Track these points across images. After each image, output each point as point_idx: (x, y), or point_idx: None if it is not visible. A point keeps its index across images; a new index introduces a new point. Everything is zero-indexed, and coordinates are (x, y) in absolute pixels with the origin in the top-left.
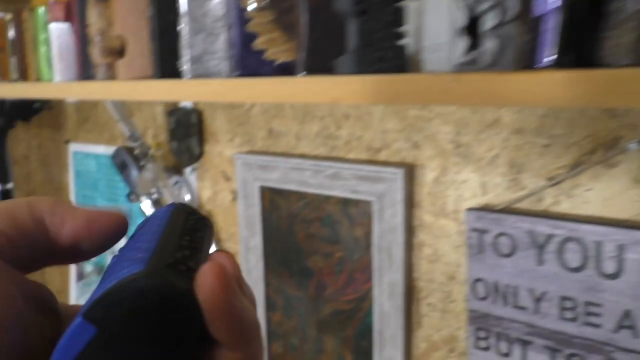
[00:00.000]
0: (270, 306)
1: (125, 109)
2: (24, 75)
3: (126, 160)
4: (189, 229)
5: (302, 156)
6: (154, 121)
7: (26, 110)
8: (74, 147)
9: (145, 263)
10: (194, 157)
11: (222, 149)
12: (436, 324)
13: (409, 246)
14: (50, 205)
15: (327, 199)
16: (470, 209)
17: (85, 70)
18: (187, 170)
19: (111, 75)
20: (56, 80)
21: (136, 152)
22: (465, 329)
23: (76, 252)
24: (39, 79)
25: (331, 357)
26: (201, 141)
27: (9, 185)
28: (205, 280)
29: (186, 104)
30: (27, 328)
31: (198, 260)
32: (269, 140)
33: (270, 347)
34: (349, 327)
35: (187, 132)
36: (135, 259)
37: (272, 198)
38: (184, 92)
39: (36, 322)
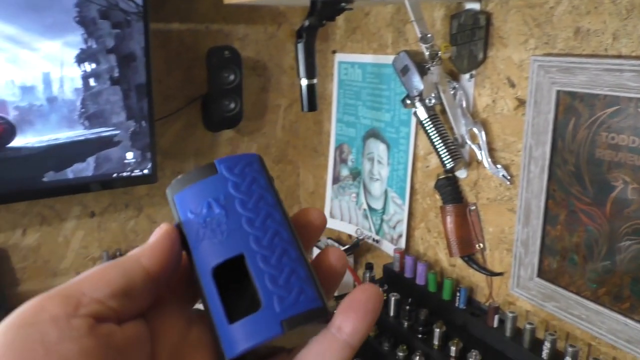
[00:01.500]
0: (550, 219)
1: (419, 10)
2: None
3: (408, 65)
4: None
5: (620, 57)
6: (432, 26)
7: (333, 10)
8: (339, 57)
9: (316, 294)
10: (475, 62)
11: (510, 53)
12: None
13: None
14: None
15: None
16: None
17: None
18: (465, 76)
19: None
20: None
21: (426, 53)
22: None
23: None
24: None
25: (622, 280)
26: (485, 46)
27: (315, 80)
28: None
29: (473, 5)
30: None
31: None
32: (575, 40)
33: (542, 261)
34: None
35: (471, 36)
36: (294, 270)
37: (570, 104)
38: None
39: None
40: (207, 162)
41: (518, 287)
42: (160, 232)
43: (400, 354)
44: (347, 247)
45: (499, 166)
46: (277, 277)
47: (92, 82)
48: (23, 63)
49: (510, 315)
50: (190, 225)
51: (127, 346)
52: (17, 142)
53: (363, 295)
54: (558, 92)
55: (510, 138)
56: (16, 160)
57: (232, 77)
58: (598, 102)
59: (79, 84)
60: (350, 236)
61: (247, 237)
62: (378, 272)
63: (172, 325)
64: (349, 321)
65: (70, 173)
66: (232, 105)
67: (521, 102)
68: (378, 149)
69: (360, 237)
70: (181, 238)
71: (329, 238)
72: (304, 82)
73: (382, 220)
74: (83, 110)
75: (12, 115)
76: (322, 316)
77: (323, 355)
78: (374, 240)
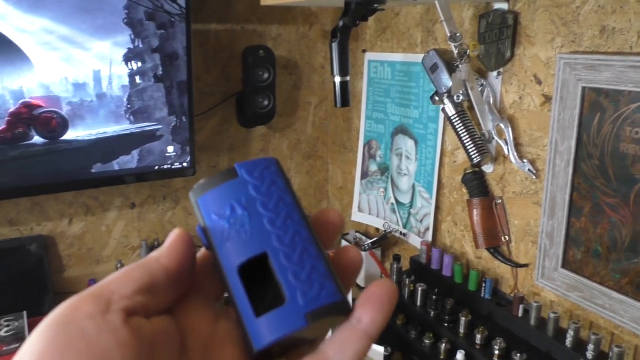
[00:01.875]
0: (574, 212)
1: (448, 10)
2: None
3: (437, 63)
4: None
5: None
6: (461, 26)
7: (366, 10)
8: (369, 56)
9: (336, 289)
10: (502, 60)
11: (537, 51)
12: None
13: None
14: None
15: None
16: None
17: None
18: (492, 74)
19: None
20: None
21: (455, 52)
22: None
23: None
24: None
25: None
26: (513, 44)
27: (347, 78)
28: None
29: (501, 5)
30: None
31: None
32: (600, 39)
33: (567, 252)
34: None
35: (499, 34)
36: (314, 267)
37: (595, 100)
38: None
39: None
40: (240, 157)
41: (543, 277)
42: (174, 236)
43: (427, 341)
44: (374, 239)
45: (524, 160)
46: (299, 273)
47: (137, 79)
48: (76, 61)
49: (535, 304)
50: (214, 227)
51: (157, 338)
52: (69, 135)
53: (380, 289)
54: (583, 88)
55: (536, 133)
56: (68, 152)
57: (265, 75)
58: (622, 97)
59: (126, 81)
60: (377, 229)
61: (269, 236)
62: (405, 264)
63: (200, 320)
64: (368, 313)
65: (115, 165)
66: (266, 102)
67: (547, 99)
68: (406, 144)
69: (388, 231)
70: (206, 239)
71: (357, 232)
72: (337, 79)
73: (409, 213)
74: (129, 105)
75: (65, 110)
76: (342, 309)
77: (344, 344)
78: (401, 233)
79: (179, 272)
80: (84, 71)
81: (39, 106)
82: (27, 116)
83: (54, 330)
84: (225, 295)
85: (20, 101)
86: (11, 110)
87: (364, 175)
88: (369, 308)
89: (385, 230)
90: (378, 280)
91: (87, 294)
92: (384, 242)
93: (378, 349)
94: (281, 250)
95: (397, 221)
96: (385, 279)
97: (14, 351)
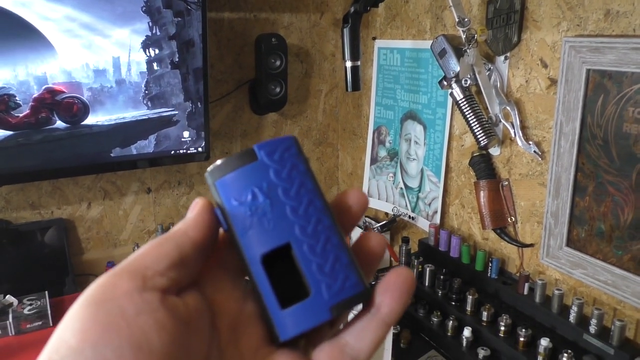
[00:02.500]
0: (578, 192)
1: None
2: None
3: (446, 48)
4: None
5: None
6: (469, 12)
7: None
8: (379, 44)
9: (359, 279)
10: (509, 45)
11: (543, 35)
12: None
13: None
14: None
15: None
16: None
17: None
18: (500, 58)
19: None
20: None
21: (463, 37)
22: None
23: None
24: None
25: None
26: (520, 29)
27: (358, 62)
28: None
29: None
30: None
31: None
32: (605, 22)
33: (571, 231)
34: None
35: (507, 20)
36: (338, 258)
37: (599, 82)
38: None
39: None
40: (253, 143)
41: (548, 256)
42: (198, 207)
43: (435, 319)
44: (383, 223)
45: (530, 143)
46: (323, 265)
47: (155, 66)
48: (96, 48)
49: (540, 282)
50: (235, 213)
51: (191, 318)
52: (90, 120)
53: (398, 278)
54: (588, 70)
55: (542, 116)
56: (88, 137)
57: (278, 62)
58: (626, 79)
59: (144, 67)
60: (386, 214)
61: (292, 226)
62: (413, 247)
63: (230, 297)
64: (387, 302)
65: (134, 149)
66: (278, 90)
67: (553, 82)
68: (415, 130)
69: (397, 215)
70: (226, 223)
71: (366, 216)
72: (348, 64)
73: (417, 197)
74: (146, 91)
75: (86, 95)
76: (365, 298)
77: (363, 332)
78: (409, 217)
79: (205, 244)
80: (104, 58)
81: (62, 92)
82: (50, 101)
83: (94, 307)
84: (247, 278)
85: (44, 87)
86: (35, 95)
87: (374, 161)
88: (388, 297)
89: (394, 215)
90: (397, 269)
91: (122, 269)
92: (393, 225)
93: None
94: (305, 241)
95: (406, 205)
96: (404, 268)
97: (37, 329)
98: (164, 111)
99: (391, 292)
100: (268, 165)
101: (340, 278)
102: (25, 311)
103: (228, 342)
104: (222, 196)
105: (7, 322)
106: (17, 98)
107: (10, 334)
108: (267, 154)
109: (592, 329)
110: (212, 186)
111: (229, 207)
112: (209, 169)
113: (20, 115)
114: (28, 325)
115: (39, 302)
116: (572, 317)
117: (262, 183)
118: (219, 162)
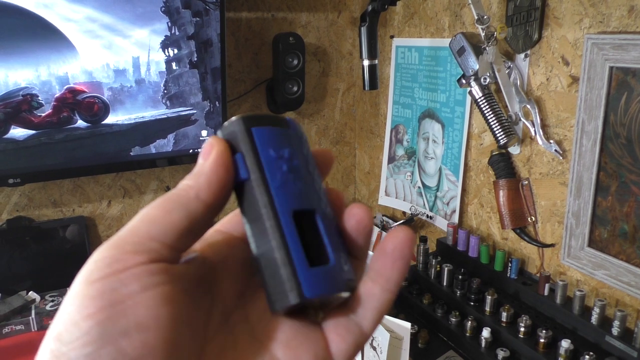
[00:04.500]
0: (601, 191)
1: None
2: None
3: (464, 46)
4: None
5: None
6: (489, 9)
7: None
8: (397, 42)
9: (351, 274)
10: (530, 42)
11: (565, 32)
12: None
13: None
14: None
15: None
16: None
17: None
18: (520, 56)
19: None
20: None
21: (482, 34)
22: None
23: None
24: None
25: None
26: (540, 26)
27: (376, 61)
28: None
29: None
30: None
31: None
32: (629, 19)
33: (593, 231)
34: None
35: (527, 17)
36: (333, 244)
37: (623, 79)
38: None
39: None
40: None
41: (569, 257)
42: (215, 154)
43: (453, 319)
44: (401, 222)
45: (551, 141)
46: (338, 243)
47: (174, 65)
48: (117, 48)
49: (561, 283)
50: (272, 163)
51: (198, 289)
52: (110, 119)
53: (393, 242)
54: (611, 68)
55: (563, 114)
56: (109, 136)
57: (295, 62)
58: None
59: (163, 67)
60: (404, 213)
61: (319, 198)
62: (432, 247)
63: (237, 263)
64: (387, 267)
65: (153, 148)
66: (295, 89)
67: (575, 79)
68: (433, 128)
69: (415, 214)
70: (247, 171)
71: (384, 215)
72: (366, 62)
73: (436, 197)
74: (165, 91)
75: (106, 95)
76: (351, 291)
77: (366, 298)
78: (427, 216)
79: (217, 206)
80: (124, 58)
81: (83, 91)
82: (72, 101)
83: (99, 285)
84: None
85: (66, 87)
86: (57, 95)
87: (391, 159)
88: (389, 263)
89: (411, 214)
90: (393, 231)
91: (127, 241)
92: (411, 225)
93: (405, 325)
94: (325, 216)
95: (424, 204)
96: (401, 229)
97: None
98: (183, 110)
99: (391, 259)
100: (300, 138)
101: (344, 257)
102: (48, 307)
103: (234, 307)
104: (258, 143)
105: (30, 318)
106: (39, 98)
107: (33, 330)
108: (294, 129)
109: (615, 330)
110: (242, 132)
111: (265, 156)
112: (238, 116)
113: (43, 114)
114: (50, 322)
115: (60, 299)
116: (593, 318)
117: (296, 150)
118: (251, 113)
